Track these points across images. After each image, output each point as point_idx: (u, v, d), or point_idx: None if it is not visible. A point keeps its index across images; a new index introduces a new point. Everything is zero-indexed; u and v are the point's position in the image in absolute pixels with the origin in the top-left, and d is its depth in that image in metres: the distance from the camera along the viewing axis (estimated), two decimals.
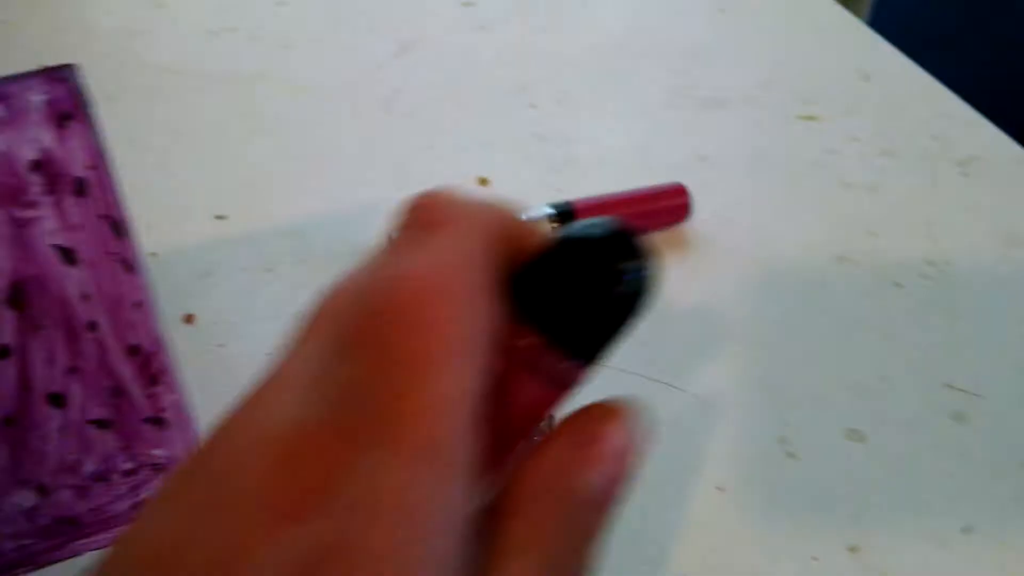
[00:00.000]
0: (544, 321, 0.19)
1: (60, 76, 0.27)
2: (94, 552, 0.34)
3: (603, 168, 0.53)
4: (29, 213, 0.29)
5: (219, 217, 0.49)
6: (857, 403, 0.41)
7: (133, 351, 0.32)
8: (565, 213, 0.47)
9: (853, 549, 0.36)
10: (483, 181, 0.52)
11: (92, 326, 0.31)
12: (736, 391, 0.42)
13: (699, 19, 0.68)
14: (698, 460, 0.39)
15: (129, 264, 0.31)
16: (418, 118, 0.57)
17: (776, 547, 0.36)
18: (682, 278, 0.47)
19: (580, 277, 0.19)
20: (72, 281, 0.30)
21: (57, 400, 0.31)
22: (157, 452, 0.33)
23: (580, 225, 0.20)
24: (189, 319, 0.44)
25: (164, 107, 0.57)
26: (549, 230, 0.21)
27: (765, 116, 0.56)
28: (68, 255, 0.30)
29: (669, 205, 0.48)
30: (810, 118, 0.56)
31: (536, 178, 0.52)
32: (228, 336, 0.43)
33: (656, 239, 0.48)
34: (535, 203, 0.48)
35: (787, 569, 0.35)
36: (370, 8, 0.69)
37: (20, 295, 0.30)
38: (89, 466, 0.32)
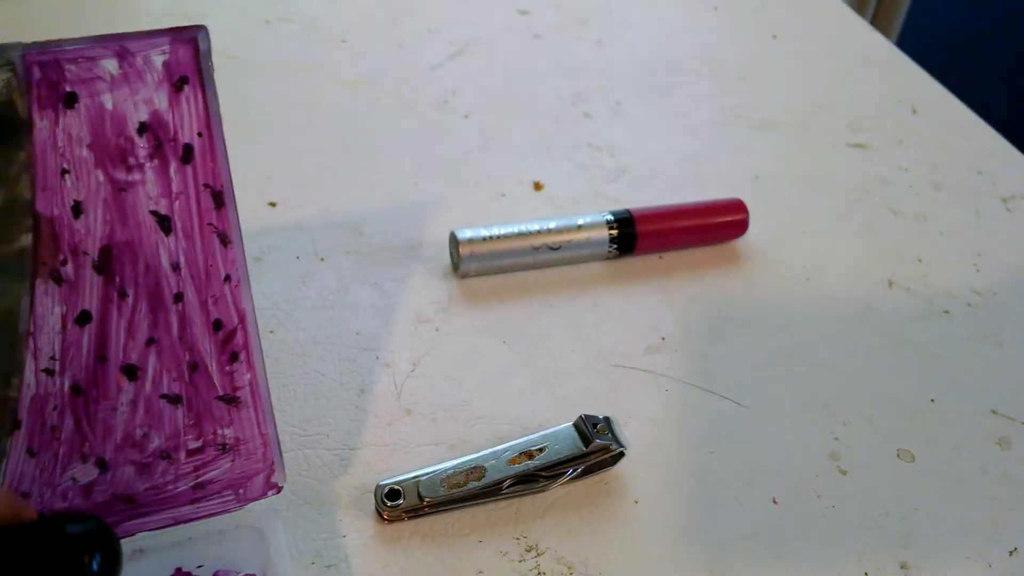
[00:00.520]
0: None
1: (187, 37, 0.27)
2: (147, 532, 0.33)
3: (656, 181, 0.53)
4: (131, 176, 0.29)
5: (271, 204, 0.50)
6: (907, 424, 0.41)
7: (217, 326, 0.31)
8: (624, 220, 0.47)
9: (904, 566, 0.36)
10: (538, 185, 0.52)
11: (178, 298, 0.31)
12: (789, 406, 0.42)
13: (751, 42, 0.69)
14: (753, 472, 0.39)
15: (225, 237, 0.30)
16: (473, 119, 0.58)
17: (828, 561, 0.36)
18: (738, 292, 0.47)
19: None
20: (165, 250, 0.30)
21: (132, 372, 0.31)
22: (226, 431, 0.33)
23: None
24: None
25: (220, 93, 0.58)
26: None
27: (815, 141, 0.57)
28: (165, 223, 0.30)
29: (728, 220, 0.48)
30: (860, 146, 0.57)
31: (590, 186, 0.53)
32: (277, 323, 0.44)
33: (712, 253, 0.49)
34: (590, 210, 0.48)
35: None
36: (426, 9, 0.69)
37: (109, 260, 0.29)
38: (155, 442, 0.32)
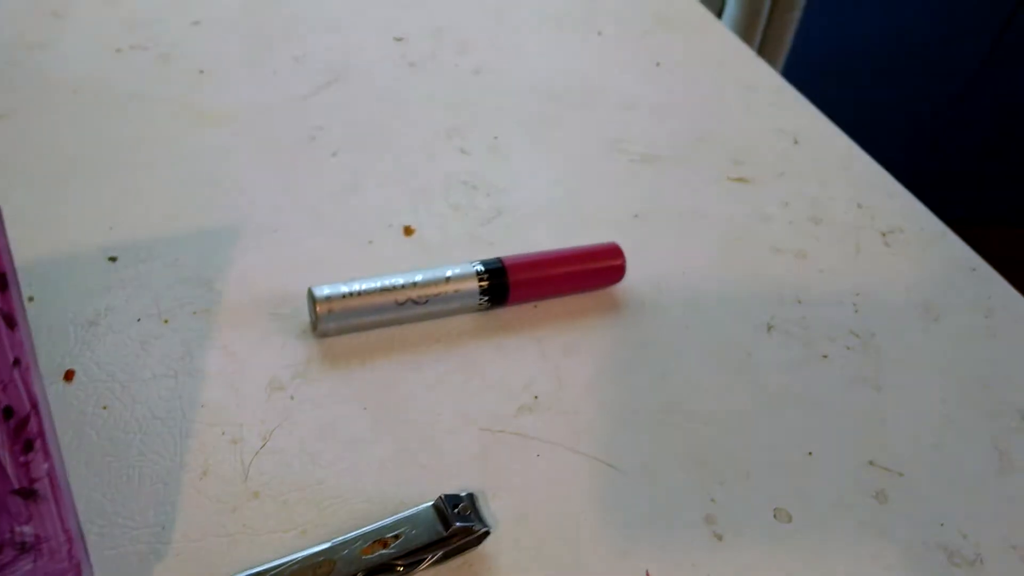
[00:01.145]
0: None
1: None
2: None
3: (534, 221, 0.51)
4: None
5: (111, 259, 0.45)
6: (784, 481, 0.40)
7: (8, 413, 0.28)
8: (495, 271, 0.45)
9: None
10: (408, 230, 0.49)
11: None
12: (665, 467, 0.40)
13: (634, 70, 0.67)
14: (627, 542, 0.37)
15: (11, 319, 0.27)
16: (341, 157, 0.54)
17: None
18: (615, 342, 0.45)
19: None
20: None
21: None
22: (24, 529, 0.29)
23: None
24: (68, 376, 0.40)
25: (61, 129, 0.53)
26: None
27: (697, 175, 0.56)
28: None
29: (604, 266, 0.46)
30: (741, 180, 0.56)
31: (464, 229, 0.50)
32: (113, 396, 0.39)
33: (588, 300, 0.47)
34: (464, 256, 0.45)
35: None
36: (293, 35, 0.66)
37: None
38: None
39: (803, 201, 0.55)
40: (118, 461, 0.37)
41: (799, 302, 0.48)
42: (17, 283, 0.28)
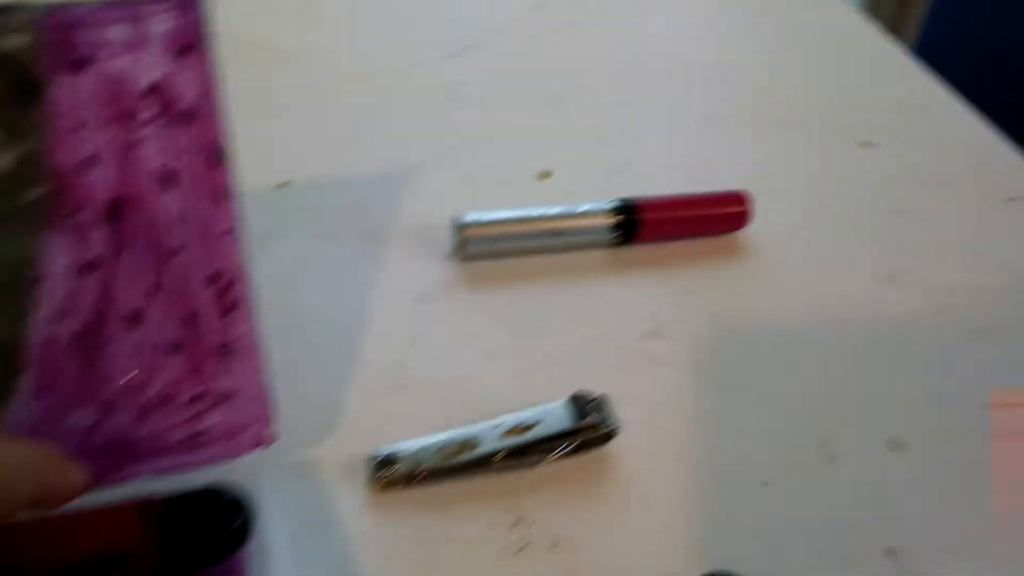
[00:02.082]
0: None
1: (191, 5, 0.28)
2: (143, 479, 0.34)
3: (663, 173, 0.54)
4: (137, 136, 0.30)
5: (282, 184, 0.51)
6: (900, 415, 0.41)
7: (214, 278, 0.32)
8: (627, 208, 0.48)
9: (890, 552, 0.36)
10: (544, 175, 0.53)
11: (178, 250, 0.32)
12: (782, 395, 0.42)
13: (765, 42, 0.70)
14: (744, 457, 0.39)
15: (222, 193, 0.32)
16: (483, 109, 0.59)
17: (814, 543, 0.36)
18: (737, 283, 0.47)
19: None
20: (167, 205, 0.31)
21: (134, 319, 0.32)
22: (222, 382, 0.34)
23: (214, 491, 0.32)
24: None
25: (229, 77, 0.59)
26: None
27: (823, 139, 0.58)
28: (167, 180, 0.31)
29: (729, 212, 0.49)
30: (867, 144, 0.57)
31: (597, 176, 0.53)
32: (282, 297, 0.44)
33: (714, 243, 0.49)
34: (597, 199, 0.49)
35: (826, 565, 0.36)
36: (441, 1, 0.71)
37: (117, 213, 0.31)
38: (154, 389, 0.33)
39: (928, 167, 0.56)
40: (287, 351, 0.42)
41: (921, 257, 0.50)
42: (232, 162, 0.32)
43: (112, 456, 0.33)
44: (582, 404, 0.38)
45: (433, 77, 0.61)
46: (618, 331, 0.44)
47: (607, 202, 0.48)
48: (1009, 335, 0.46)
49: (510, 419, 0.38)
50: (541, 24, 0.69)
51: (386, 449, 0.37)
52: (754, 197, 0.50)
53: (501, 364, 0.42)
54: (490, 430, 0.38)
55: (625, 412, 0.41)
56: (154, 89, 0.29)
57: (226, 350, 0.34)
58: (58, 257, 0.30)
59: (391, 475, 0.36)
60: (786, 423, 0.41)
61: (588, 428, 0.38)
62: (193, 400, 0.33)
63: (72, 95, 0.29)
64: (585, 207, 0.47)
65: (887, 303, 0.47)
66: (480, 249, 0.46)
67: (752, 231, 0.50)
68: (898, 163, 0.56)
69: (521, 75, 0.63)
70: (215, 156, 0.31)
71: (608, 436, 0.38)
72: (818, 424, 0.41)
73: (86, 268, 0.31)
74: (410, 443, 0.37)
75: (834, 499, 0.38)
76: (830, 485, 0.38)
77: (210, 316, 0.33)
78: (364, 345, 0.42)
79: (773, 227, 0.51)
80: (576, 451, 0.38)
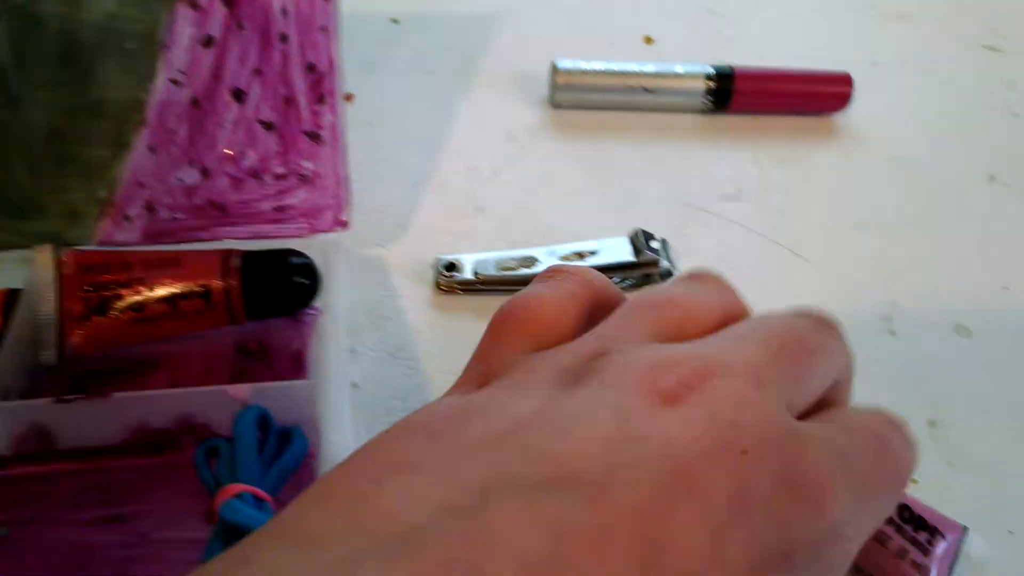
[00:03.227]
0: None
1: None
2: (231, 240, 0.37)
3: (770, 53, 0.53)
4: None
5: (394, 20, 0.53)
6: (972, 303, 0.41)
7: (310, 68, 0.35)
8: (724, 75, 0.47)
9: (932, 424, 0.36)
10: (648, 40, 0.53)
11: (283, 38, 0.34)
12: (851, 268, 0.42)
13: None
14: None
15: None
16: None
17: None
18: (826, 162, 0.47)
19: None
20: None
21: (239, 95, 0.35)
22: (307, 164, 0.37)
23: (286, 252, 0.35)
24: (349, 98, 0.48)
25: None
26: None
27: (946, 38, 0.55)
28: None
29: (829, 91, 0.48)
30: (992, 49, 0.54)
31: (701, 48, 0.53)
32: (381, 119, 0.47)
33: (810, 122, 0.49)
34: (697, 63, 0.49)
35: None
36: None
37: None
38: (249, 160, 0.36)
39: None
40: (375, 165, 0.45)
41: None
42: None
43: (210, 215, 0.37)
44: (644, 240, 0.39)
45: None
46: (695, 190, 0.45)
47: (704, 65, 0.48)
48: None
49: (570, 245, 0.40)
50: None
51: (451, 256, 0.39)
52: (863, 85, 0.48)
53: (574, 203, 0.44)
54: (550, 252, 0.39)
55: (687, 262, 0.41)
56: None
57: (313, 136, 0.36)
58: (183, 29, 0.34)
59: (453, 280, 0.39)
60: (850, 295, 0.41)
61: (645, 263, 0.39)
62: (280, 177, 0.36)
63: None
64: (681, 68, 0.47)
65: (983, 199, 0.45)
66: (573, 97, 0.47)
67: (852, 115, 0.49)
68: (1021, 69, 0.53)
69: None
70: None
71: (665, 276, 0.39)
72: (886, 300, 0.41)
73: (204, 42, 0.34)
74: (475, 255, 0.40)
75: (887, 369, 0.38)
76: (886, 357, 0.38)
77: (303, 103, 0.36)
78: (448, 170, 0.45)
79: (875, 114, 0.49)
80: (632, 287, 0.39)
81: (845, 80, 0.48)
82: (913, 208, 0.45)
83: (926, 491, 0.34)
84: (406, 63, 0.50)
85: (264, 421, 0.31)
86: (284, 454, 0.31)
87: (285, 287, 0.34)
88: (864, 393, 0.37)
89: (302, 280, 0.34)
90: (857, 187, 0.46)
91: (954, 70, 0.53)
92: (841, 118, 0.49)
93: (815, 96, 0.48)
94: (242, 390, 0.31)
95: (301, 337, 0.35)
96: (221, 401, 0.31)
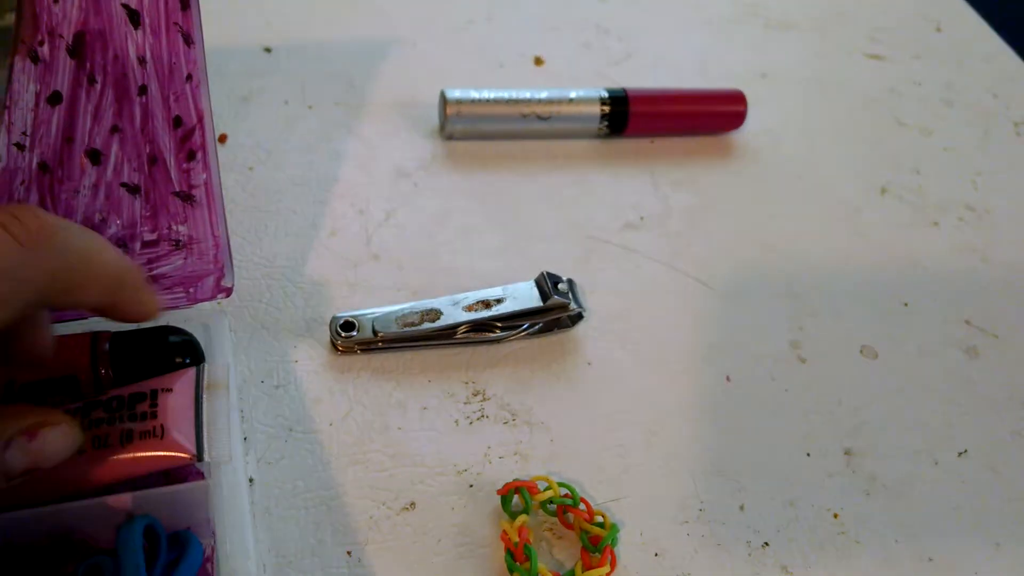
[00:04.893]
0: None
1: None
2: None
3: (660, 69, 0.52)
4: None
5: (267, 49, 0.49)
6: (875, 323, 0.41)
7: (177, 122, 0.32)
8: (618, 98, 0.46)
9: (848, 452, 0.36)
10: (539, 61, 0.51)
11: (143, 90, 0.31)
12: (757, 293, 0.41)
13: None
14: (710, 350, 0.39)
15: (189, 37, 0.31)
16: None
17: (773, 438, 0.36)
18: (725, 183, 0.46)
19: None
20: (133, 43, 0.30)
21: (95, 157, 0.31)
22: (180, 228, 0.33)
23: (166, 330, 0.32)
24: (222, 139, 0.44)
25: None
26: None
27: (831, 47, 0.55)
28: (134, 17, 0.30)
29: (724, 110, 0.47)
30: (876, 57, 0.55)
31: (592, 67, 0.52)
32: (258, 161, 0.43)
33: (706, 142, 0.48)
34: (589, 87, 0.47)
35: (780, 460, 0.36)
36: None
37: (82, 46, 0.30)
38: (112, 229, 0.32)
39: (936, 83, 0.54)
40: (258, 213, 0.41)
41: (917, 172, 0.48)
42: (198, 5, 0.31)
43: None
44: (550, 283, 0.38)
45: None
46: (597, 220, 0.43)
47: (597, 90, 0.46)
48: (1001, 254, 0.45)
49: (475, 294, 0.38)
50: None
51: (347, 314, 0.37)
52: (753, 97, 0.48)
53: (474, 242, 0.42)
54: (453, 303, 0.37)
55: (596, 299, 0.40)
56: None
57: (185, 197, 0.33)
58: (24, 86, 0.30)
59: (351, 339, 0.36)
60: (757, 322, 0.40)
61: (553, 308, 0.37)
62: (150, 244, 0.33)
63: None
64: (575, 94, 0.46)
65: (877, 212, 0.46)
66: (466, 128, 0.45)
67: (747, 132, 0.49)
68: (905, 77, 0.54)
69: None
70: (182, 0, 0.30)
71: (574, 319, 0.38)
72: (793, 325, 0.40)
73: (50, 100, 0.30)
74: (372, 310, 0.37)
75: (799, 398, 0.38)
76: (796, 384, 0.38)
77: (171, 162, 0.32)
78: (337, 214, 0.42)
79: (769, 130, 0.49)
80: (541, 331, 0.38)
81: (739, 99, 0.47)
82: (811, 226, 0.45)
83: (847, 522, 0.34)
84: (283, 96, 0.47)
85: (152, 531, 0.28)
86: (179, 565, 0.28)
87: (164, 370, 0.31)
88: (780, 424, 0.37)
89: (183, 360, 0.31)
90: (756, 207, 0.45)
91: (840, 80, 0.53)
92: (736, 135, 0.49)
93: (711, 116, 0.48)
94: (124, 500, 0.28)
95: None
96: (101, 512, 0.28)
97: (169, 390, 0.28)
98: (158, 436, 0.27)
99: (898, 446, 0.37)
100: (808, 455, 0.36)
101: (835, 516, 0.34)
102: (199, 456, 0.27)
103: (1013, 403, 0.39)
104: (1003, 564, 0.34)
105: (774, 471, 0.35)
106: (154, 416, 0.28)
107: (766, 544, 0.33)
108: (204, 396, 0.29)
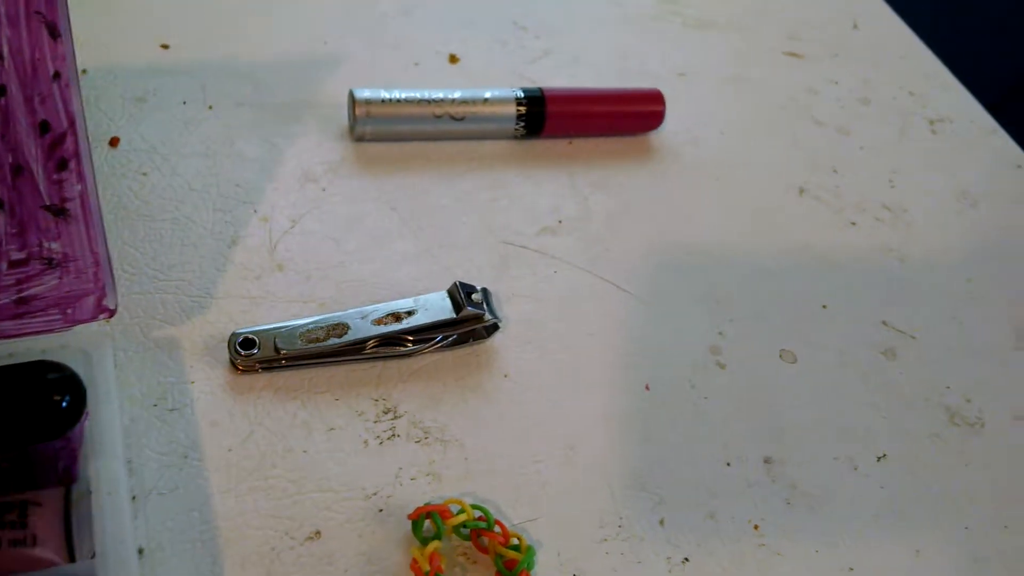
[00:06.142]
0: None
1: None
2: None
3: (579, 67, 0.51)
4: None
5: (164, 46, 0.46)
6: (795, 327, 0.41)
7: (44, 128, 0.29)
8: (534, 99, 0.45)
9: (767, 460, 0.36)
10: (454, 58, 0.50)
11: (1, 91, 0.28)
12: (677, 299, 0.41)
13: None
14: (629, 358, 0.38)
15: (54, 29, 0.28)
16: None
17: (692, 447, 0.35)
18: (644, 184, 0.45)
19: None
20: None
21: None
22: (52, 245, 0.30)
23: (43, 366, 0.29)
24: (114, 142, 0.41)
25: None
26: None
27: (749, 46, 0.55)
28: None
29: (643, 110, 0.46)
30: (794, 55, 0.55)
31: (509, 65, 0.50)
32: (153, 166, 0.41)
33: (624, 143, 0.47)
34: (505, 87, 0.46)
35: (700, 471, 0.35)
36: None
37: None
38: None
39: (853, 82, 0.54)
40: (152, 222, 0.39)
41: (835, 171, 0.48)
42: None
43: None
44: (463, 294, 0.36)
45: None
46: (513, 225, 0.42)
47: (513, 90, 0.45)
48: (917, 253, 0.45)
49: (384, 306, 0.36)
50: None
51: (247, 330, 0.34)
52: (671, 96, 0.47)
53: (386, 250, 0.40)
54: (361, 316, 0.35)
55: (512, 307, 0.39)
56: None
57: (57, 212, 0.30)
58: None
59: (252, 357, 0.34)
60: (676, 328, 0.39)
61: (466, 319, 0.36)
62: (19, 263, 0.30)
63: None
64: (490, 93, 0.44)
65: (796, 212, 0.46)
66: (376, 129, 0.43)
67: (665, 132, 0.48)
68: (822, 76, 0.54)
69: None
70: None
71: (490, 330, 0.37)
72: (712, 331, 0.40)
73: None
74: (275, 325, 0.35)
75: (718, 406, 0.37)
76: (716, 391, 0.37)
77: (39, 173, 0.29)
78: (239, 222, 0.39)
79: (687, 130, 0.48)
80: (454, 344, 0.36)
81: (657, 98, 0.46)
82: (730, 228, 0.44)
83: (767, 533, 0.34)
84: (180, 97, 0.44)
85: None
86: None
87: (39, 412, 0.28)
88: (701, 432, 0.36)
89: (61, 399, 0.28)
90: (675, 210, 0.45)
91: (759, 78, 0.53)
92: (655, 135, 0.48)
93: (630, 116, 0.46)
94: None
95: (69, 452, 0.30)
96: None
97: (38, 504, 0.27)
98: (29, 545, 0.26)
99: (818, 452, 0.36)
100: (728, 464, 0.35)
101: (755, 528, 0.34)
102: (72, 558, 0.26)
103: (931, 405, 0.39)
104: (923, 571, 0.33)
105: (694, 482, 0.34)
106: (23, 527, 0.26)
107: (686, 560, 0.32)
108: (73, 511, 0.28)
